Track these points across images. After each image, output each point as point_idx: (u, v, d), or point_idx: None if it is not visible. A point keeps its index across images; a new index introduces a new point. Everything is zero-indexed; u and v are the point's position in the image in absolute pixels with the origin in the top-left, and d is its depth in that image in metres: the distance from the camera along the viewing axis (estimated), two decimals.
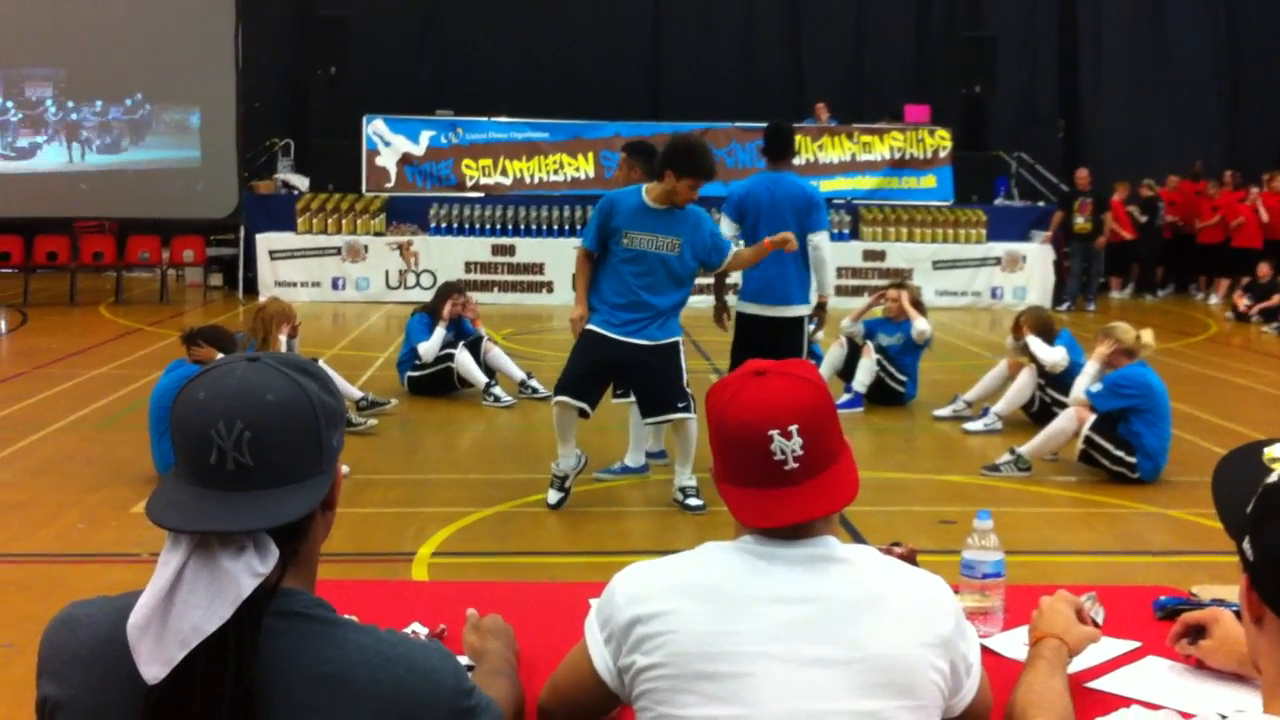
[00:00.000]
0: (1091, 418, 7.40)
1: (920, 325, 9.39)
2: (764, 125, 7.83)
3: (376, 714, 1.51)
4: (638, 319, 6.42)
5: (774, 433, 1.80)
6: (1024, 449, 7.59)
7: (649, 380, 6.51)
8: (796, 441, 1.80)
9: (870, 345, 9.50)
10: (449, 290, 10.07)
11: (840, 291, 9.72)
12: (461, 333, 9.83)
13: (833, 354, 9.64)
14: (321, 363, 6.35)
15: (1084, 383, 7.57)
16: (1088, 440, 7.39)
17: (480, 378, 9.51)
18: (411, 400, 9.47)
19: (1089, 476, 7.47)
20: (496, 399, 9.43)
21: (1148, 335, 7.51)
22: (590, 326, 6.49)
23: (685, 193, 6.28)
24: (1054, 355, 8.58)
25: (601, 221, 6.45)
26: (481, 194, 17.12)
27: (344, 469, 7.09)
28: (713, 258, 6.55)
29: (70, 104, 16.49)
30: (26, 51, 16.17)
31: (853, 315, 9.87)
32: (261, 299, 9.14)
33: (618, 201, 6.46)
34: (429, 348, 9.54)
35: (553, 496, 6.70)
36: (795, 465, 1.80)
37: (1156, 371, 7.49)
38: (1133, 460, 7.30)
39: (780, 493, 1.80)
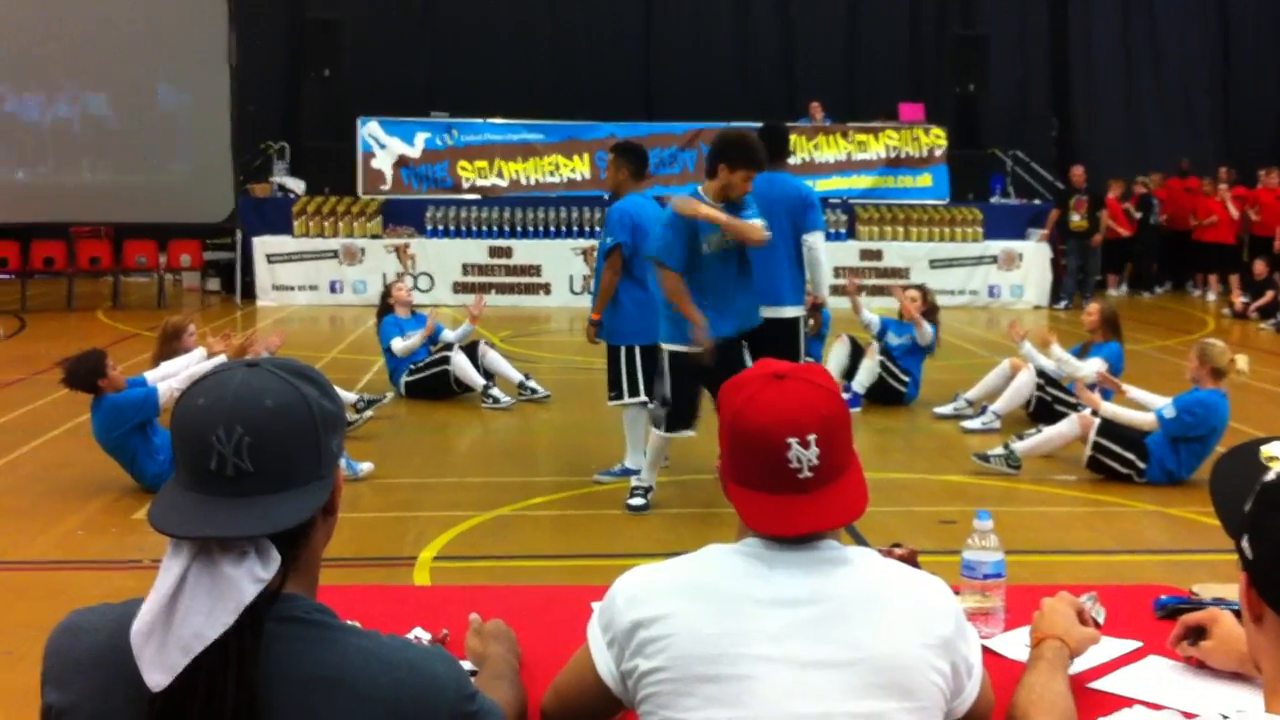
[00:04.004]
0: (1098, 422, 7.36)
1: (926, 330, 9.37)
2: (759, 125, 7.84)
3: (378, 718, 1.51)
4: (732, 313, 6.40)
5: (792, 440, 1.79)
6: (1019, 447, 7.57)
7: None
8: (814, 451, 1.79)
9: (875, 346, 9.50)
10: (387, 289, 10.18)
11: (837, 291, 9.69)
12: (434, 338, 9.86)
13: (837, 353, 9.65)
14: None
15: (1151, 400, 7.49)
16: (1097, 446, 7.34)
17: (478, 380, 9.50)
18: (409, 404, 9.47)
19: (1088, 476, 7.46)
20: (495, 400, 9.43)
21: (1243, 362, 7.24)
22: (684, 350, 6.40)
23: (741, 185, 6.27)
24: (1084, 368, 8.26)
25: (683, 237, 6.31)
26: (477, 196, 17.12)
27: (368, 466, 7.12)
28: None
29: (63, 108, 16.47)
30: (19, 57, 16.16)
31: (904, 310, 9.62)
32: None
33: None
34: (406, 345, 9.53)
35: (637, 501, 6.71)
36: (810, 474, 1.79)
37: (1204, 393, 7.24)
38: (1143, 466, 7.28)
39: (792, 500, 1.80)
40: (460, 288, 16.38)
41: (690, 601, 1.79)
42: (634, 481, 6.83)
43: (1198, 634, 2.26)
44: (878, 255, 16.87)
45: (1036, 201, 18.09)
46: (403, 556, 5.92)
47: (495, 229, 16.79)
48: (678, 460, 7.34)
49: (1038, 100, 20.94)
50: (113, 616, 1.56)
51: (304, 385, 1.56)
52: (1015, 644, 2.33)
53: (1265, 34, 21.15)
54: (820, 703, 1.73)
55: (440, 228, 16.78)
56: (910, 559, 2.39)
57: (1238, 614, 2.16)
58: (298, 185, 17.34)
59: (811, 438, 1.79)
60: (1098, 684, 2.21)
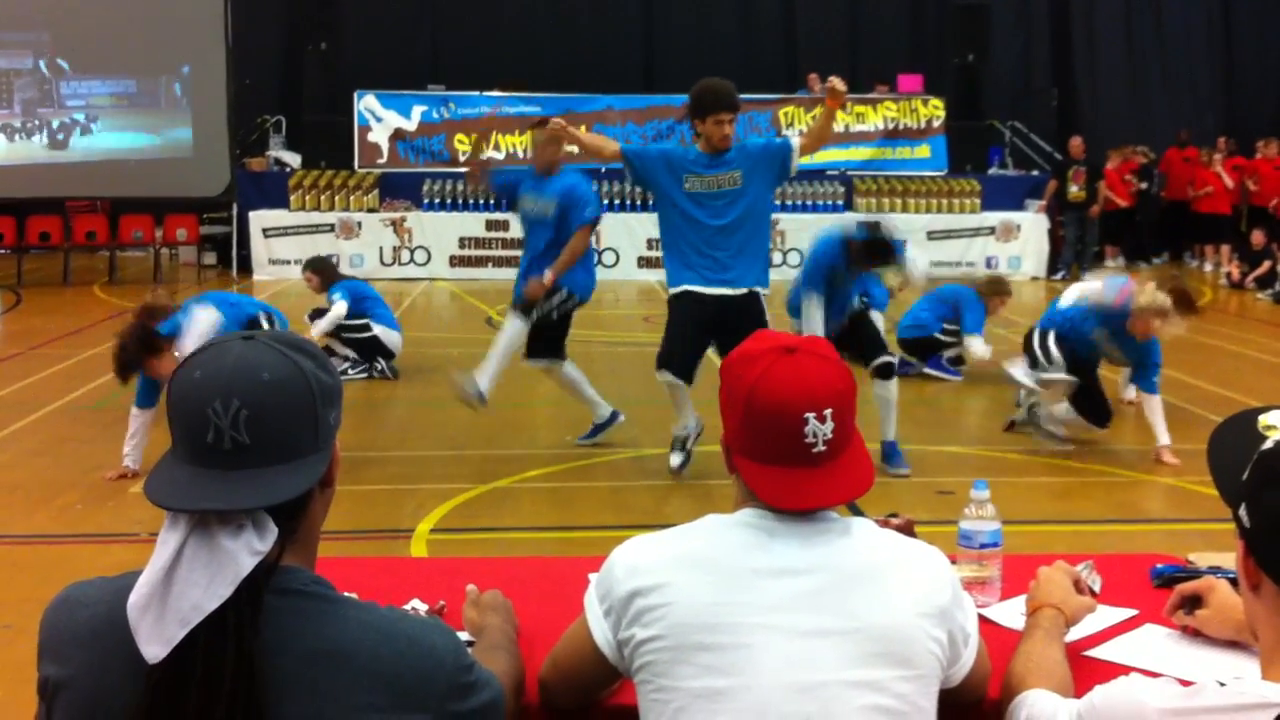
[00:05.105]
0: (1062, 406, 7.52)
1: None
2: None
3: (377, 690, 1.51)
4: (720, 265, 6.39)
5: (810, 415, 1.79)
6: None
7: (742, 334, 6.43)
8: (829, 425, 1.79)
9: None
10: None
11: None
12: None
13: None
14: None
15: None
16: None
17: (348, 354, 9.38)
18: (405, 380, 9.45)
19: (1084, 447, 7.48)
20: (383, 373, 9.43)
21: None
22: (683, 287, 6.46)
23: (715, 130, 6.25)
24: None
25: (665, 157, 6.47)
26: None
27: None
28: (785, 160, 6.41)
29: (59, 83, 16.40)
30: (11, 29, 16.08)
31: None
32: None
33: (682, 153, 6.51)
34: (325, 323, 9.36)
35: (675, 459, 6.72)
36: (823, 448, 1.80)
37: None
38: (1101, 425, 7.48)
39: (804, 473, 1.80)
40: (457, 261, 16.34)
41: (688, 571, 1.79)
42: (674, 431, 6.81)
43: (1194, 602, 2.26)
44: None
45: (1035, 173, 18.04)
46: (400, 529, 5.93)
47: (492, 202, 16.72)
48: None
49: (1039, 71, 20.85)
50: (110, 590, 1.56)
51: (301, 358, 1.56)
52: (1012, 613, 2.34)
53: (1267, 4, 21.03)
54: (818, 671, 1.74)
55: (437, 201, 16.72)
56: (907, 529, 2.40)
57: (1234, 582, 2.16)
58: (294, 159, 17.29)
59: (828, 412, 1.79)
60: (1094, 652, 2.21)
